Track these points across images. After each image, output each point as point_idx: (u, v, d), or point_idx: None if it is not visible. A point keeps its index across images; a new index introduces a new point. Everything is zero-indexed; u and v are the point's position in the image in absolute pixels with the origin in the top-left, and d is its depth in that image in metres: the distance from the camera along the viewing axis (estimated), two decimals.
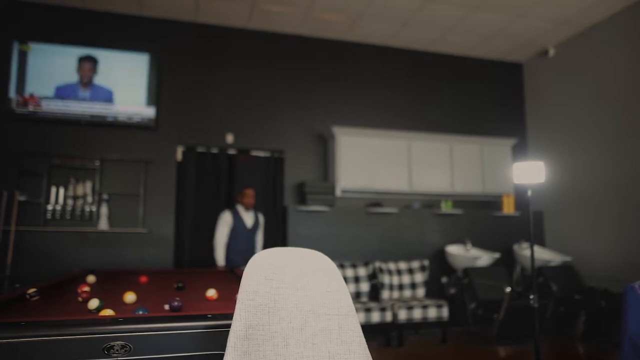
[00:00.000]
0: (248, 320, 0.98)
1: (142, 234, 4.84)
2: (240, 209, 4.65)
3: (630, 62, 4.93)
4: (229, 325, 0.96)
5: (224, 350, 1.12)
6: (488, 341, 4.64)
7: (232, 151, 5.30)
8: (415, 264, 5.10)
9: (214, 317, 1.55)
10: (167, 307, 1.91)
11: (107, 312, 1.71)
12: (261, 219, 4.79)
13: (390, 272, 4.97)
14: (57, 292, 2.46)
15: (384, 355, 4.18)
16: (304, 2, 4.91)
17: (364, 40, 5.88)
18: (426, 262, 5.13)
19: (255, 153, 5.40)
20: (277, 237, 5.26)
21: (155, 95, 4.99)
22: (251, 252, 4.57)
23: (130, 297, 2.07)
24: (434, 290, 5.31)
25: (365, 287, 4.86)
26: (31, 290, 2.14)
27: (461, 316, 5.13)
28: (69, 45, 4.78)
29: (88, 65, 4.80)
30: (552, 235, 5.85)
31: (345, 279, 4.79)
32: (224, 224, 4.55)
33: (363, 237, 5.33)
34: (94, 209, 4.74)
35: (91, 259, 4.58)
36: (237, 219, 4.59)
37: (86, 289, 2.21)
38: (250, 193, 4.62)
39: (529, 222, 3.46)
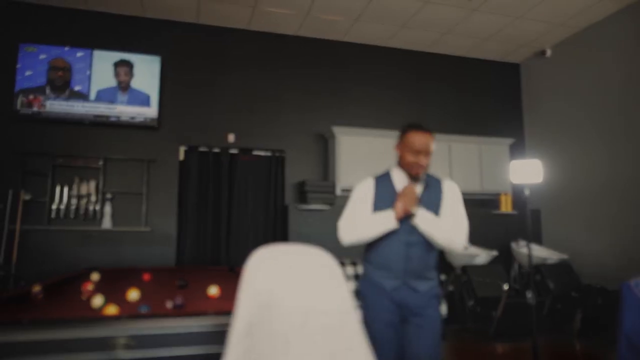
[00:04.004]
0: (249, 318, 1.00)
1: (145, 233, 4.89)
2: (398, 174, 2.26)
3: (626, 63, 4.95)
4: (230, 323, 1.00)
5: (226, 347, 1.16)
6: (486, 338, 4.68)
7: (233, 150, 5.34)
8: None
9: (216, 315, 1.60)
10: (169, 304, 1.96)
11: (111, 310, 1.75)
12: (448, 187, 2.26)
13: None
14: (61, 289, 2.50)
15: None
16: (304, 4, 4.94)
17: (364, 41, 5.91)
18: None
19: (256, 153, 5.44)
20: (277, 236, 5.31)
21: (158, 96, 5.03)
22: (421, 268, 2.16)
23: (133, 294, 2.10)
24: None
25: None
26: (36, 288, 2.18)
27: (459, 313, 5.17)
28: (76, 47, 4.83)
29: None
30: (549, 233, 5.89)
31: (346, 277, 4.83)
32: (361, 199, 2.24)
33: None
34: (97, 208, 4.79)
35: (95, 257, 4.62)
36: (385, 193, 2.21)
37: (90, 286, 2.26)
38: (421, 139, 2.14)
39: (527, 220, 3.50)
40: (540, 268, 5.04)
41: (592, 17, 5.22)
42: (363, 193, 2.24)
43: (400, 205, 2.06)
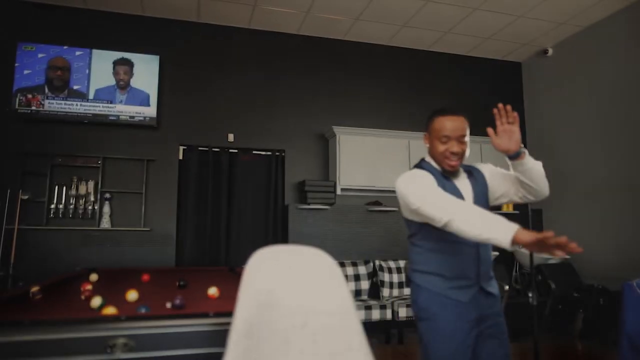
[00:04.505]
0: (249, 318, 1.00)
1: (144, 233, 4.87)
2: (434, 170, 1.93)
3: (628, 62, 4.94)
4: (230, 323, 0.99)
5: (226, 348, 1.15)
6: None
7: (233, 150, 5.32)
8: None
9: (216, 315, 1.58)
10: (169, 305, 1.94)
11: (110, 310, 1.74)
12: (486, 168, 2.02)
13: (390, 270, 5.00)
14: (59, 290, 2.48)
15: (384, 353, 4.21)
16: (304, 3, 4.93)
17: (365, 40, 5.90)
18: None
19: (256, 152, 5.42)
20: (277, 236, 5.29)
21: (157, 95, 5.02)
22: (488, 268, 1.98)
23: (132, 295, 2.09)
24: None
25: (365, 285, 4.89)
26: (34, 289, 2.16)
27: None
28: (74, 46, 4.81)
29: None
30: None
31: (346, 277, 4.82)
32: (426, 185, 1.82)
33: (363, 235, 5.35)
34: (96, 207, 4.77)
35: (93, 258, 4.60)
36: (446, 188, 1.84)
37: (89, 287, 2.24)
38: (449, 123, 1.91)
39: (528, 220, 3.49)
40: (541, 268, 5.03)
41: (593, 16, 5.20)
42: (431, 183, 1.82)
43: (532, 236, 1.48)
